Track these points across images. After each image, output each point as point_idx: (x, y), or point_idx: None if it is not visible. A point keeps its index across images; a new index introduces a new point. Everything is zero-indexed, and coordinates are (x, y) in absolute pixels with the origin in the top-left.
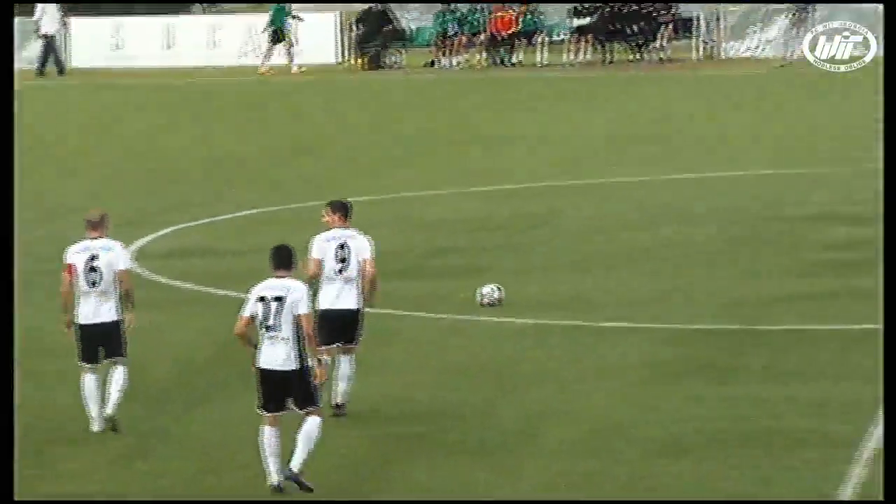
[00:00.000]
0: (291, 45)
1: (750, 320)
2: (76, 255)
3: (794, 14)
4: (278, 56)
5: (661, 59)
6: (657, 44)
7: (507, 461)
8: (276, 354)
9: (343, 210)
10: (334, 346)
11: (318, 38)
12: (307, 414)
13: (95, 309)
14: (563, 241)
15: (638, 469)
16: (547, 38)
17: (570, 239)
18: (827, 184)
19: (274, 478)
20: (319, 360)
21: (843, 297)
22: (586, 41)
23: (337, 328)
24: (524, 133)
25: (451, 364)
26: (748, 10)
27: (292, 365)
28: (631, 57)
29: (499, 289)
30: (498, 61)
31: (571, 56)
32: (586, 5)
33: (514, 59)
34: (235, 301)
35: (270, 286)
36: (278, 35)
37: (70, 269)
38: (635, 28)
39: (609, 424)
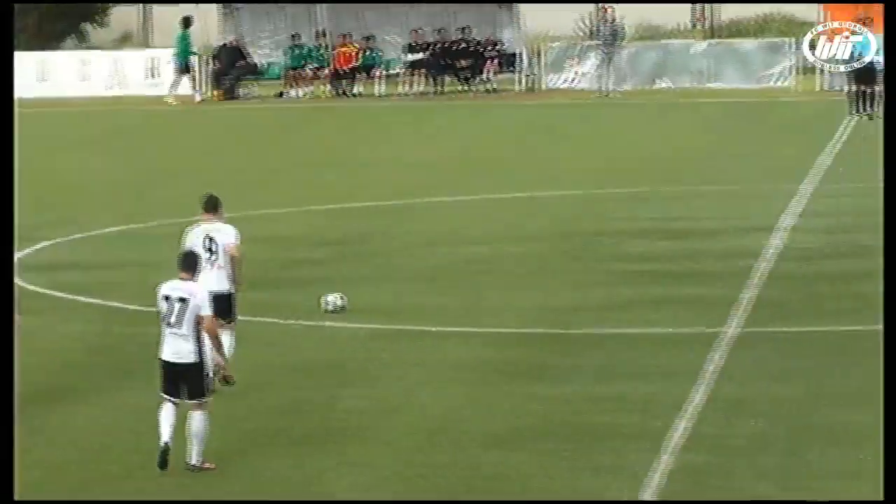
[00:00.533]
0: (195, 79)
1: (581, 325)
2: None
3: (603, 51)
4: (184, 87)
5: (487, 90)
6: (484, 76)
7: (351, 454)
8: (178, 348)
9: (208, 205)
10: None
11: None
12: (196, 406)
13: None
14: (406, 253)
15: (474, 463)
16: (384, 72)
17: (413, 252)
18: (648, 201)
19: (164, 436)
20: (221, 352)
21: (667, 304)
22: (420, 74)
23: (214, 309)
24: (367, 156)
25: (300, 364)
26: (565, 46)
27: (192, 358)
28: (460, 88)
29: (342, 297)
30: (341, 92)
31: (406, 88)
32: (419, 42)
33: (355, 91)
34: (105, 309)
35: (175, 287)
36: (185, 67)
37: None
38: (464, 63)
39: (446, 421)
